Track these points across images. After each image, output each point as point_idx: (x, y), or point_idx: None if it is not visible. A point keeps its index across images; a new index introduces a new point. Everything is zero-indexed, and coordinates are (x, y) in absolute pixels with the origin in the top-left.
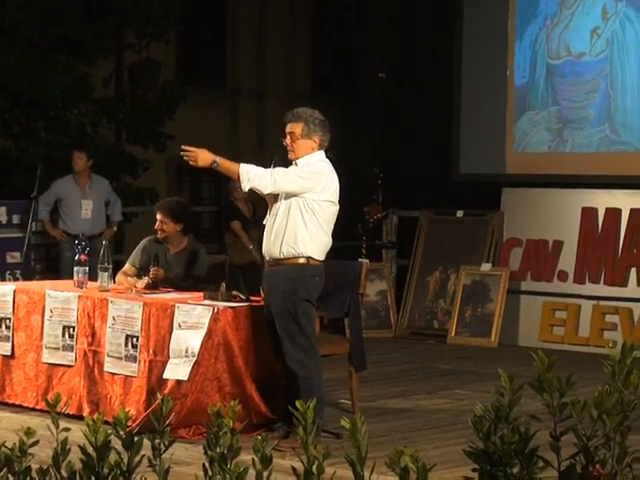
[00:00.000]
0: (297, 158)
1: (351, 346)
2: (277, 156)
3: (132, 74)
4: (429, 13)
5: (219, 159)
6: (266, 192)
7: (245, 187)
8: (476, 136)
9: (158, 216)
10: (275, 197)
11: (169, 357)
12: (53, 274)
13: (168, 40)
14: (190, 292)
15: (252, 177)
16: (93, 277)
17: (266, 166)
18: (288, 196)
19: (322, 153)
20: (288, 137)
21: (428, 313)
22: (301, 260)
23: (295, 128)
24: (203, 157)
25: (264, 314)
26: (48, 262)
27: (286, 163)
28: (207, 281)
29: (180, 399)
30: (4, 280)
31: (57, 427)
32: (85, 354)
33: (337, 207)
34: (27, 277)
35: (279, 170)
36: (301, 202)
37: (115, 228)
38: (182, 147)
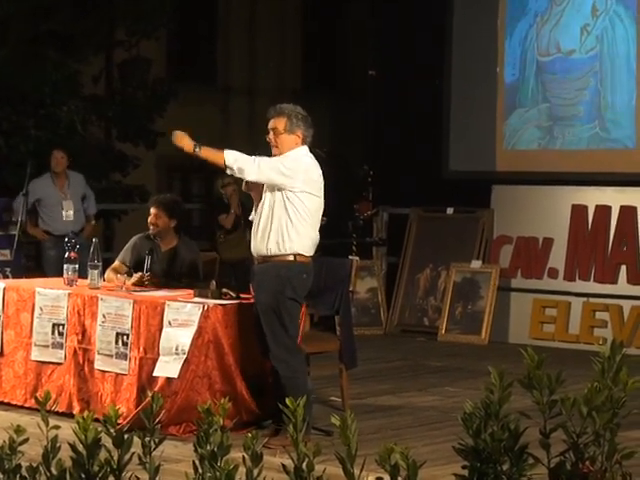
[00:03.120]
0: (281, 154)
1: (341, 343)
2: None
3: (122, 71)
4: (419, 11)
5: (200, 146)
6: (249, 178)
7: (232, 167)
8: (466, 133)
9: (152, 210)
10: (260, 194)
11: (159, 355)
12: (42, 272)
13: (158, 37)
14: (181, 289)
15: (238, 158)
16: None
17: None
18: (271, 192)
19: (306, 148)
20: (271, 133)
21: (418, 310)
22: (289, 257)
23: (278, 123)
24: (184, 139)
25: (254, 311)
26: (37, 260)
27: None
28: (198, 280)
29: (170, 397)
30: None
31: (47, 425)
32: (75, 352)
33: (321, 200)
34: (17, 275)
35: (264, 157)
36: (284, 197)
37: (93, 222)
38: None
